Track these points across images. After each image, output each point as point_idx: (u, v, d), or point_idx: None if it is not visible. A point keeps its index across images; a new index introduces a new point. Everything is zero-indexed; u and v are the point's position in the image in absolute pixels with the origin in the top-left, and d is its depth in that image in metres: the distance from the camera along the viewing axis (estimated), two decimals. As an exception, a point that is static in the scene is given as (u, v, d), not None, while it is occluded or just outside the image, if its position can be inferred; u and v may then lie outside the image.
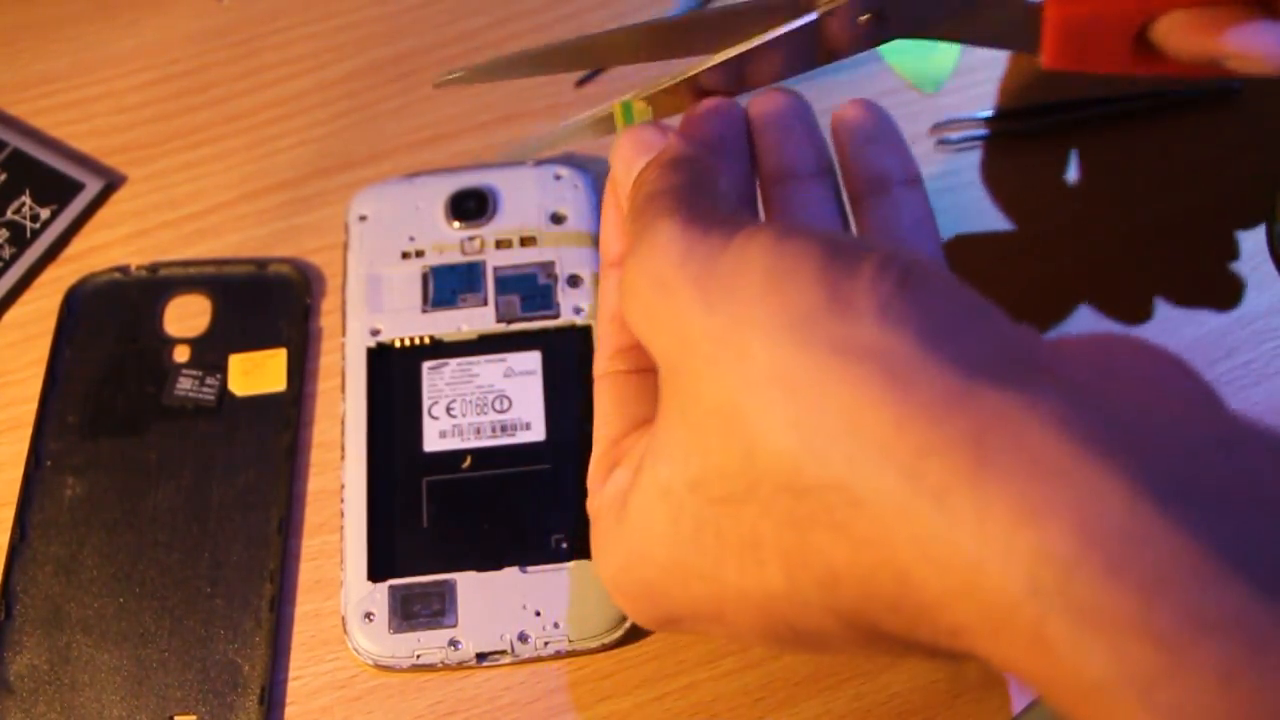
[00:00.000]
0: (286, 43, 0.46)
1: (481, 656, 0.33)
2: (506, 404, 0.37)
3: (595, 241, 0.40)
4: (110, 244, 0.42)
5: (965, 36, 0.31)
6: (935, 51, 0.44)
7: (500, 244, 0.40)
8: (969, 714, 0.33)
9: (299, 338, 0.39)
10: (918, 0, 0.30)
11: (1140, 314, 0.39)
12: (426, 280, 0.39)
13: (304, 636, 0.35)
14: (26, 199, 0.42)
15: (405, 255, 0.40)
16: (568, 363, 0.38)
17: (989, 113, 0.42)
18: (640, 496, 0.25)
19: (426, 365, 0.38)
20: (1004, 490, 0.18)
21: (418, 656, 0.33)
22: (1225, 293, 0.39)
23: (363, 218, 0.41)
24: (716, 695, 0.33)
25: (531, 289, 0.39)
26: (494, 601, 0.34)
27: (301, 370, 0.39)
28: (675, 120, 0.32)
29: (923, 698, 0.33)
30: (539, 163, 0.42)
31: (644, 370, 0.30)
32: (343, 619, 0.34)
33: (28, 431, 0.37)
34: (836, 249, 0.22)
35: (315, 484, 0.37)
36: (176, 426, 0.37)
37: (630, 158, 0.30)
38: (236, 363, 0.39)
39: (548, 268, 0.39)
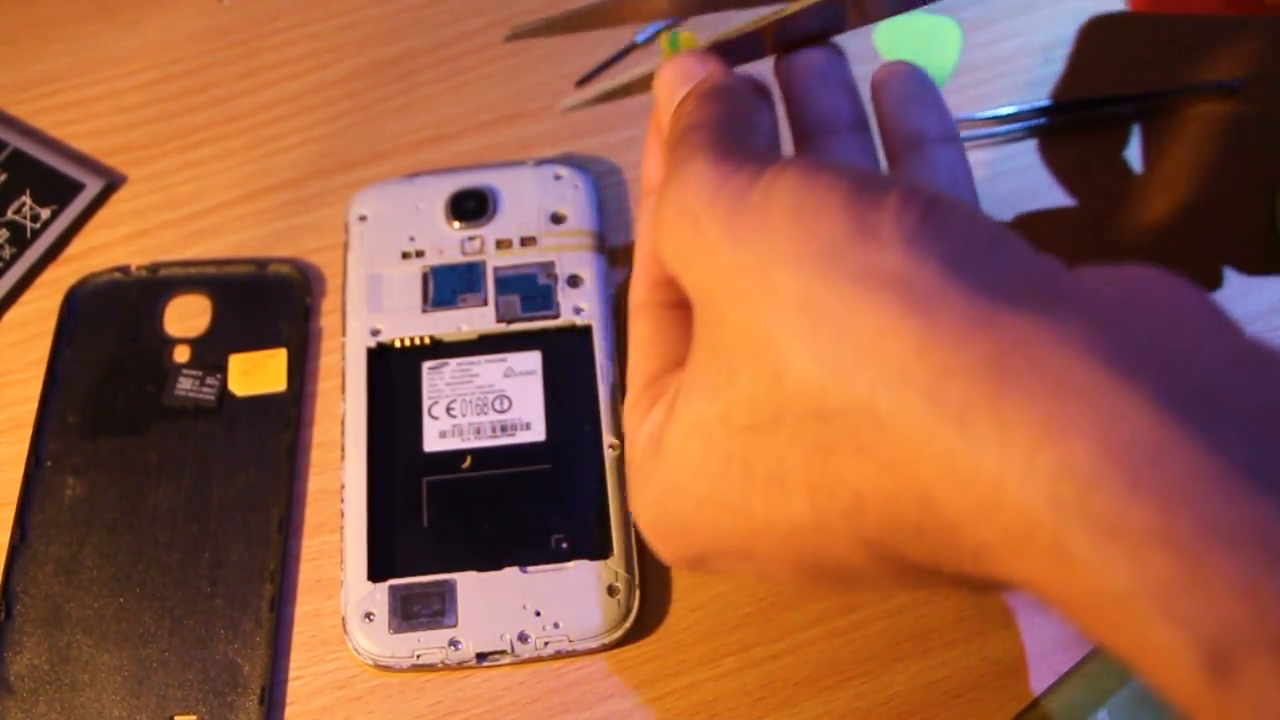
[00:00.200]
0: (286, 43, 0.46)
1: (481, 656, 0.33)
2: (506, 404, 0.37)
3: (595, 241, 0.40)
4: (110, 244, 0.42)
5: None
6: (935, 52, 0.44)
7: (500, 244, 0.40)
8: (969, 714, 0.33)
9: (299, 338, 0.39)
10: None
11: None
12: (426, 280, 0.39)
13: (304, 636, 0.35)
14: (26, 199, 0.42)
15: (405, 255, 0.40)
16: (568, 363, 0.38)
17: (988, 113, 0.42)
18: (674, 432, 0.26)
19: (426, 365, 0.38)
20: (1025, 409, 0.19)
21: (418, 656, 0.33)
22: (1225, 292, 0.39)
23: (363, 218, 0.41)
24: (716, 695, 0.33)
25: (531, 289, 0.39)
26: (494, 601, 0.34)
27: (301, 370, 0.39)
28: None
29: (923, 698, 0.33)
30: (539, 163, 0.42)
31: (682, 305, 0.30)
32: (343, 619, 0.34)
33: (28, 431, 0.37)
34: (863, 183, 0.23)
35: (315, 484, 0.37)
36: (176, 426, 0.37)
37: (671, 86, 0.30)
38: (236, 363, 0.39)
39: (548, 268, 0.39)
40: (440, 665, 0.33)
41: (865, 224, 0.22)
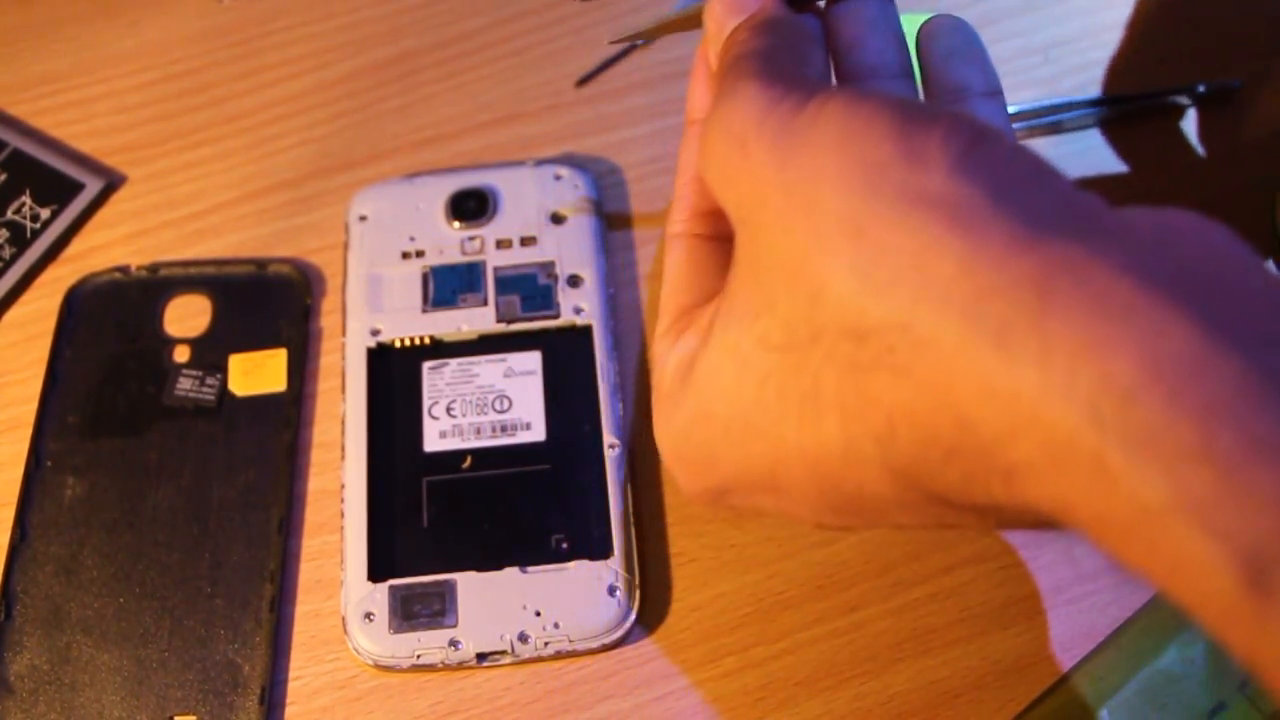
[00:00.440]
0: (286, 43, 0.46)
1: (481, 656, 0.33)
2: (506, 404, 0.37)
3: (595, 241, 0.40)
4: (110, 244, 0.42)
5: None
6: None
7: (500, 244, 0.40)
8: (969, 714, 0.33)
9: (299, 338, 0.39)
10: None
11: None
12: (426, 280, 0.39)
13: (304, 636, 0.35)
14: (26, 199, 0.42)
15: (405, 255, 0.40)
16: (568, 363, 0.38)
17: (989, 113, 0.42)
18: (708, 357, 0.26)
19: (426, 365, 0.38)
20: (1066, 327, 0.19)
21: (418, 657, 0.33)
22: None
23: (363, 218, 0.41)
24: (716, 695, 0.33)
25: (531, 289, 0.39)
26: (494, 601, 0.34)
27: (301, 370, 0.39)
28: None
29: (923, 698, 0.33)
30: (539, 163, 0.42)
31: (721, 238, 0.30)
32: (343, 619, 0.34)
33: (28, 431, 0.37)
34: (911, 110, 0.23)
35: (315, 484, 0.37)
36: (176, 426, 0.37)
37: (723, 17, 0.30)
38: (236, 363, 0.39)
39: (548, 268, 0.39)
40: (440, 665, 0.33)
41: (912, 148, 0.22)
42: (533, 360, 0.38)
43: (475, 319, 0.39)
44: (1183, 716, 0.31)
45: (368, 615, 0.34)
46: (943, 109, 0.23)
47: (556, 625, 0.33)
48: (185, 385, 0.38)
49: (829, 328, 0.22)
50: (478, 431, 0.37)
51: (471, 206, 0.40)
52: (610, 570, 0.34)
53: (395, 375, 0.38)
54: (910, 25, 0.37)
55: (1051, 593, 0.34)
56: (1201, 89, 0.43)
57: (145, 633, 0.34)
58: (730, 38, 0.29)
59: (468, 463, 0.36)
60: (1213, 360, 0.18)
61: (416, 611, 0.34)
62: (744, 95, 0.25)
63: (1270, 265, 0.21)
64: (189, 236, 0.42)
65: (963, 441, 0.21)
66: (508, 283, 0.39)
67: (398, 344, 0.38)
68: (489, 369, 0.38)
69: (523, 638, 0.33)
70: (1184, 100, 0.42)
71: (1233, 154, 0.42)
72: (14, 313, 0.40)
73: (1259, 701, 0.31)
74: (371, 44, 0.46)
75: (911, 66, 0.32)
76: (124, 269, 0.40)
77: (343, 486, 0.36)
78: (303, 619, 0.35)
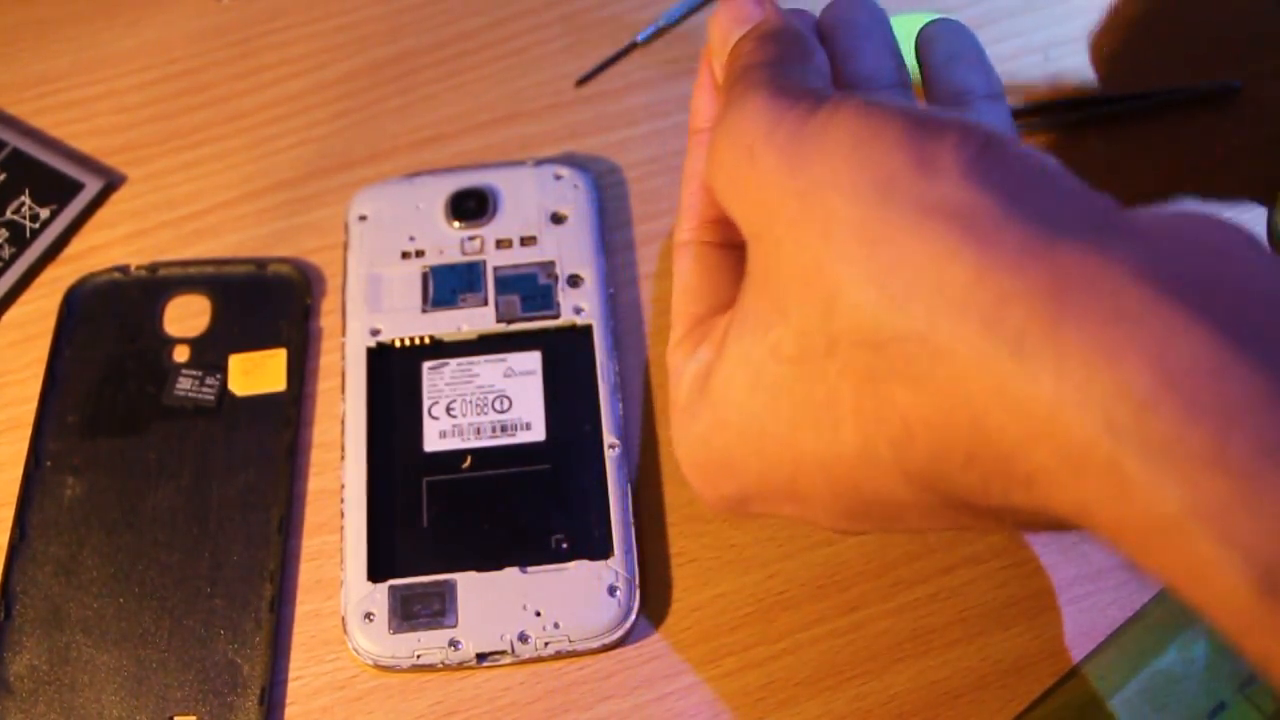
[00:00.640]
0: (286, 43, 0.46)
1: (481, 657, 0.33)
2: (506, 404, 0.37)
3: (595, 242, 0.40)
4: (110, 244, 0.42)
5: None
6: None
7: (500, 244, 0.40)
8: (970, 714, 0.33)
9: (299, 338, 0.39)
10: None
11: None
12: (426, 280, 0.39)
13: (304, 637, 0.35)
14: (26, 199, 0.42)
15: (405, 255, 0.40)
16: (568, 363, 0.38)
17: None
18: (723, 369, 0.26)
19: (426, 365, 0.38)
20: (1082, 333, 0.19)
21: (418, 657, 0.33)
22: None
23: (363, 218, 0.41)
24: (716, 695, 0.33)
25: (531, 289, 0.39)
26: (494, 601, 0.34)
27: (301, 370, 0.39)
28: None
29: (923, 698, 0.33)
30: (539, 163, 0.42)
31: (730, 245, 0.30)
32: (343, 619, 0.34)
33: (28, 431, 0.37)
34: (922, 117, 0.23)
35: (315, 484, 0.37)
36: (176, 426, 0.37)
37: (728, 28, 0.30)
38: (236, 363, 0.38)
39: (548, 268, 0.39)
40: (440, 665, 0.33)
41: (924, 155, 0.22)
42: (533, 360, 0.38)
43: (475, 319, 0.38)
44: (1183, 716, 0.31)
45: (368, 615, 0.34)
46: (952, 116, 0.23)
47: (557, 625, 0.33)
48: (185, 385, 0.38)
49: (844, 338, 0.22)
50: (478, 431, 0.37)
51: (471, 206, 0.40)
52: (610, 570, 0.34)
53: (395, 375, 0.38)
54: (910, 26, 0.37)
55: (1052, 593, 0.34)
56: (1201, 89, 0.43)
57: (145, 633, 0.34)
58: (735, 48, 0.29)
59: (468, 463, 0.36)
60: (1227, 367, 0.18)
61: (416, 611, 0.34)
62: (752, 105, 0.25)
63: None
64: (188, 236, 0.42)
65: (981, 448, 0.21)
66: (508, 282, 0.39)
67: (397, 344, 0.38)
68: (489, 369, 0.38)
69: (523, 638, 0.33)
70: (1184, 100, 0.43)
71: (1232, 154, 0.42)
72: (13, 313, 0.40)
73: (1259, 701, 0.31)
74: (371, 44, 0.46)
75: (907, 76, 0.32)
76: (123, 269, 0.40)
77: (342, 486, 0.36)
78: (303, 619, 0.35)
